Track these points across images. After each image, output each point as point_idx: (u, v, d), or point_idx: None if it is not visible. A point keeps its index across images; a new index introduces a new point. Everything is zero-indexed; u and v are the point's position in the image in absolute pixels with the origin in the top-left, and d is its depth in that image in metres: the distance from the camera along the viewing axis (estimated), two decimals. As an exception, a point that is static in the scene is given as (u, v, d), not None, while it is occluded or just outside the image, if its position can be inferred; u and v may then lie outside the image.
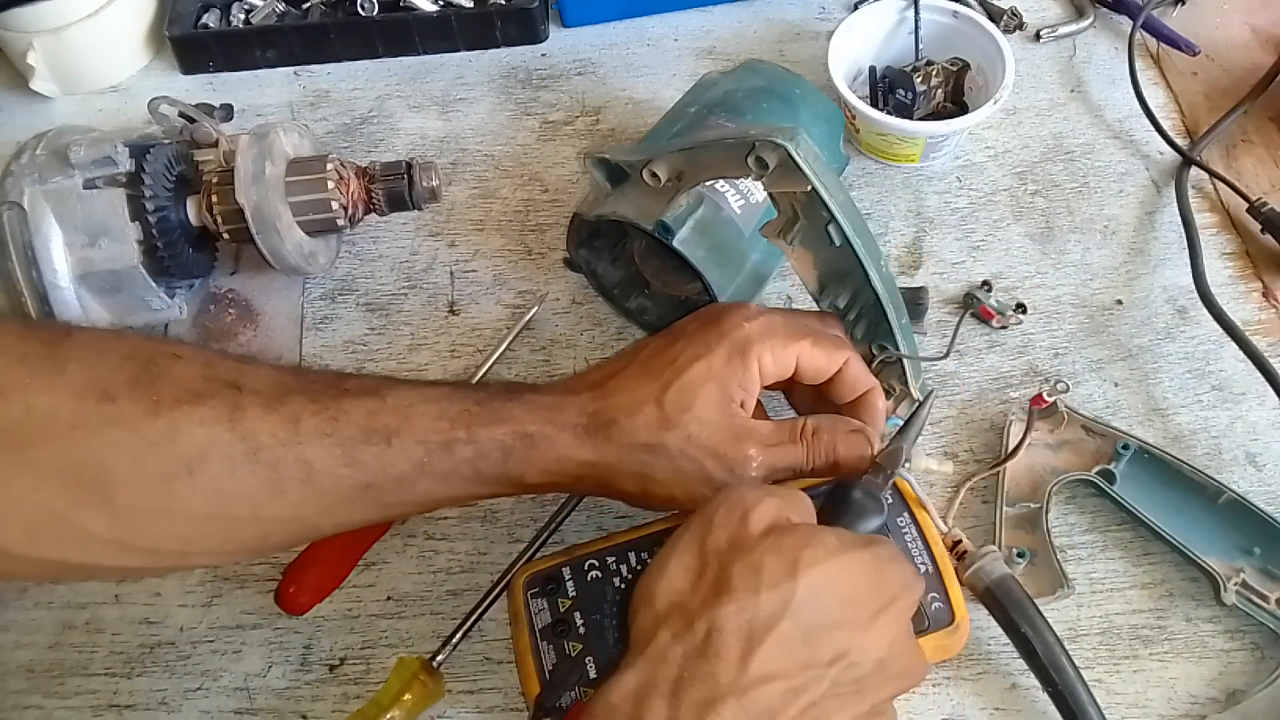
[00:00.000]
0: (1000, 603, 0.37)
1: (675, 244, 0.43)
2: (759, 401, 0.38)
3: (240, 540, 0.32)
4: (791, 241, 0.41)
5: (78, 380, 0.28)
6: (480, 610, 0.41)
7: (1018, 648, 0.37)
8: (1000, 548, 0.41)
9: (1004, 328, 0.49)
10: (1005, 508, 0.42)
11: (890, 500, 0.36)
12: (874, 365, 0.42)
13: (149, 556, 0.31)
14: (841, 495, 0.35)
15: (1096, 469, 0.42)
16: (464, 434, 0.33)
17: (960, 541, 0.38)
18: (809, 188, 0.38)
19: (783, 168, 0.38)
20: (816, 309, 0.42)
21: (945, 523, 0.39)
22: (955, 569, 0.38)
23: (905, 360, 0.42)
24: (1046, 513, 0.42)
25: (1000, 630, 0.40)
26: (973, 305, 0.50)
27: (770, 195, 0.41)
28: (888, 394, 0.44)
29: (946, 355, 0.44)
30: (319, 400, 0.31)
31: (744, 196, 0.47)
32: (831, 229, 0.39)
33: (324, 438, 0.30)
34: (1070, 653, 0.36)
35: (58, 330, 0.31)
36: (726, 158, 0.40)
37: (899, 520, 0.40)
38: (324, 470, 0.30)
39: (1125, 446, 0.42)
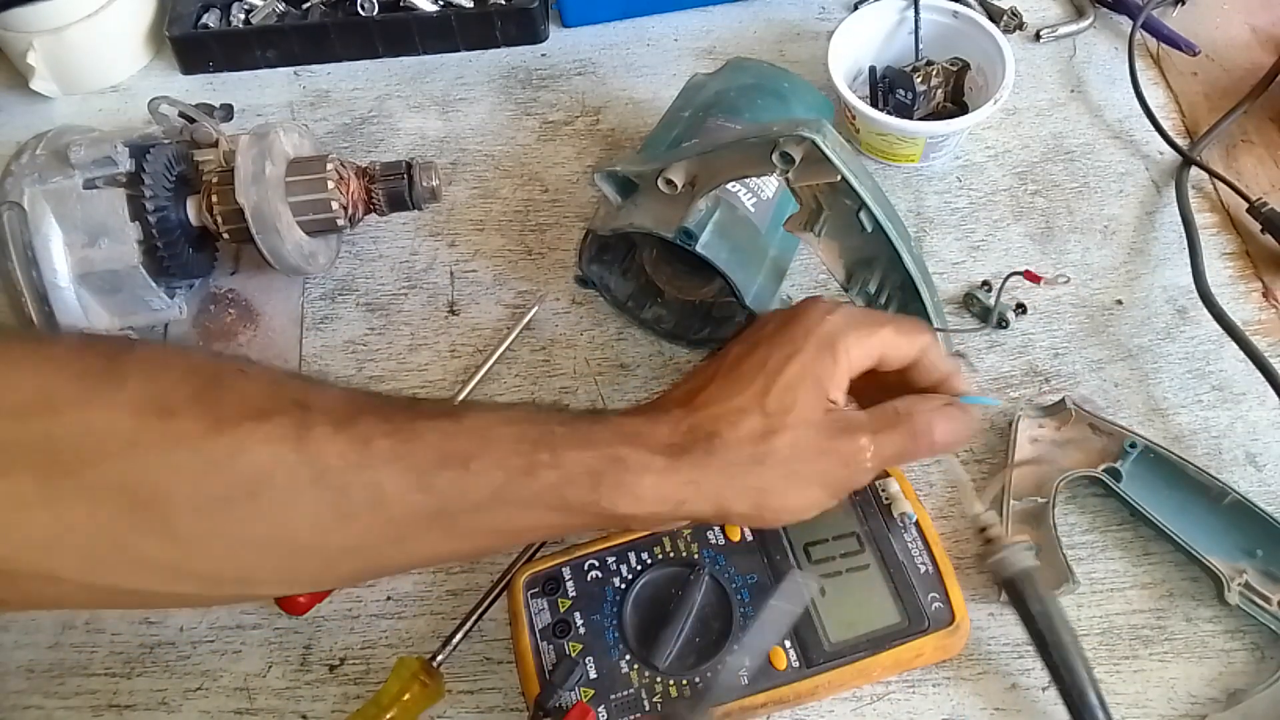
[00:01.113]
0: (1020, 595, 0.37)
1: (699, 249, 0.43)
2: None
3: (304, 570, 0.30)
4: (818, 233, 0.42)
5: (138, 396, 0.26)
6: (480, 610, 0.41)
7: (1033, 642, 0.37)
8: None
9: (1053, 286, 0.49)
10: (1012, 502, 0.42)
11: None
12: None
13: (208, 584, 0.29)
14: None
15: (1103, 466, 0.42)
16: (548, 457, 0.29)
17: (988, 527, 0.38)
18: (838, 177, 0.38)
19: (808, 160, 0.38)
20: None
21: (979, 504, 0.38)
22: (982, 551, 0.38)
23: (939, 336, 0.42)
24: (1053, 508, 0.42)
25: (1001, 630, 0.40)
26: (973, 305, 0.50)
27: (791, 189, 0.41)
28: None
29: (989, 325, 0.44)
30: (391, 421, 0.29)
31: (755, 194, 0.47)
32: (863, 215, 0.40)
33: (396, 460, 0.28)
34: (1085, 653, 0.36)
35: (118, 344, 0.29)
36: (747, 157, 0.40)
37: (899, 519, 0.41)
38: (395, 495, 0.28)
39: (1132, 445, 0.42)
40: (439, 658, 0.40)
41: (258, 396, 0.28)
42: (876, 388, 0.36)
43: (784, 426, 0.31)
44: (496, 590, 0.41)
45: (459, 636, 0.40)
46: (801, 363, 0.33)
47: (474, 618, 0.41)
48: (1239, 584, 0.39)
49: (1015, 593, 0.37)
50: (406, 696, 0.38)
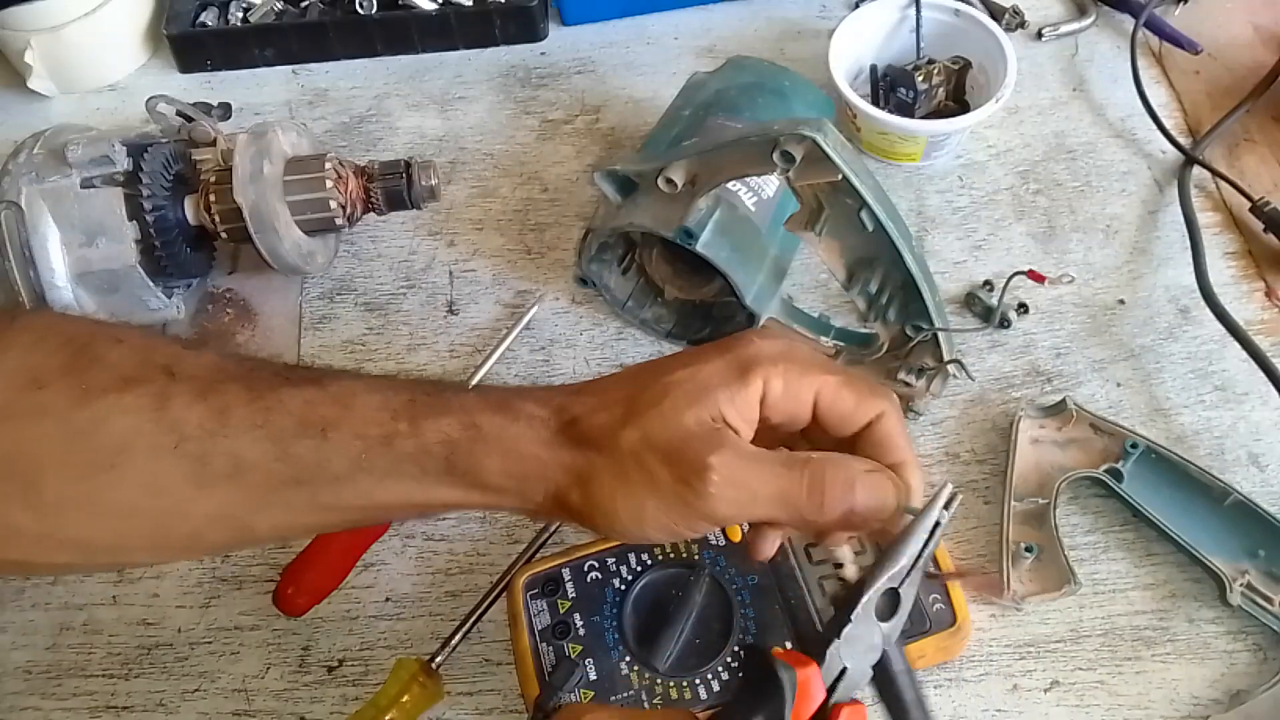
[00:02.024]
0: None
1: (699, 248, 0.42)
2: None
3: (172, 537, 0.30)
4: (819, 232, 0.42)
5: (12, 367, 0.27)
6: (479, 611, 0.41)
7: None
8: (1008, 543, 0.41)
9: (1055, 286, 0.47)
10: (1013, 503, 0.42)
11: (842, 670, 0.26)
12: (909, 346, 0.43)
13: (81, 552, 0.30)
14: (752, 666, 0.26)
15: (1104, 467, 0.42)
16: (406, 426, 0.29)
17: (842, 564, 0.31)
18: (839, 176, 0.38)
19: (809, 159, 0.38)
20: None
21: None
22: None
23: (940, 336, 0.42)
24: (1054, 509, 0.41)
25: (1002, 632, 0.40)
26: (975, 305, 0.49)
27: (792, 188, 0.41)
28: (920, 372, 0.44)
29: (991, 324, 0.44)
30: (254, 389, 0.29)
31: (756, 194, 0.47)
32: (864, 214, 0.40)
33: (254, 429, 0.28)
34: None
35: (2, 317, 0.30)
36: (747, 156, 0.39)
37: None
38: (253, 464, 0.28)
39: (1133, 445, 0.42)
40: (438, 659, 0.39)
41: (127, 365, 0.28)
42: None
43: (637, 421, 0.28)
44: (496, 592, 0.41)
45: (458, 638, 0.40)
46: (695, 370, 0.29)
47: (473, 619, 0.41)
48: (1241, 585, 0.39)
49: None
50: (405, 698, 0.38)
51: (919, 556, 0.28)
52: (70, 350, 0.28)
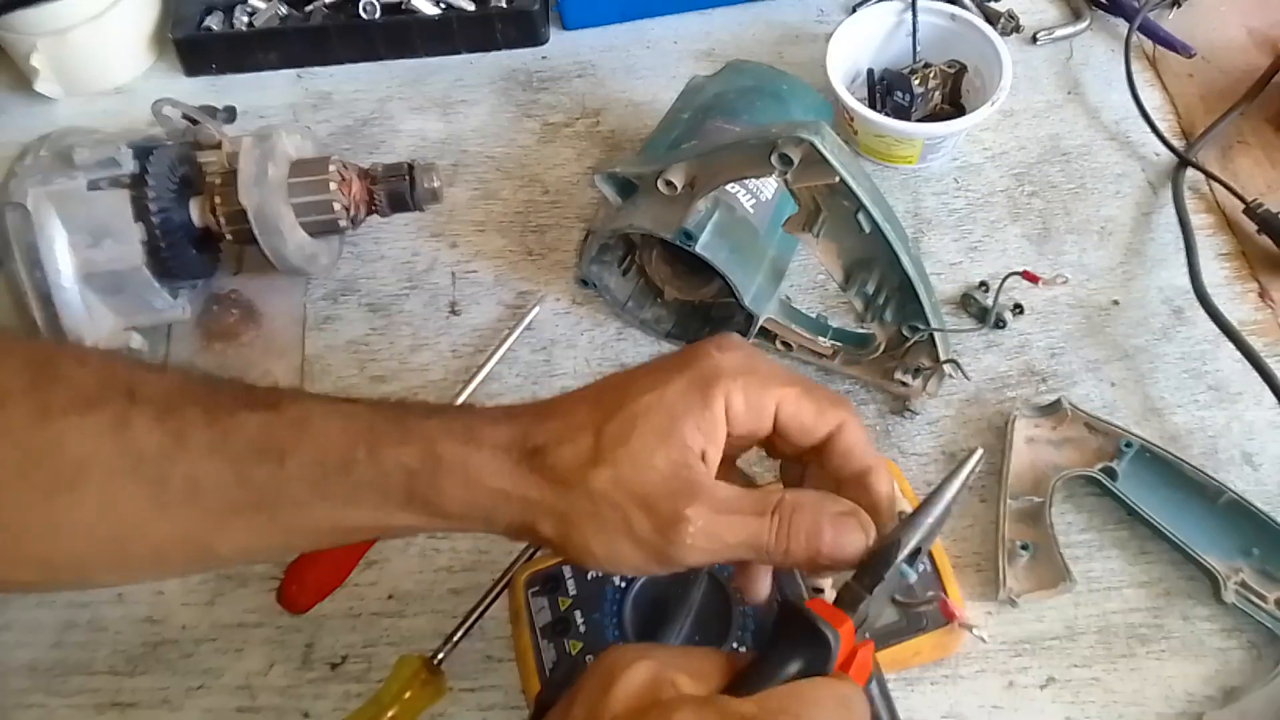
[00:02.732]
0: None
1: (698, 250, 0.43)
2: (741, 470, 0.32)
3: (133, 558, 0.30)
4: (817, 234, 0.42)
5: None
6: (481, 609, 0.41)
7: None
8: (1003, 541, 0.41)
9: (1049, 286, 0.48)
10: (1008, 501, 0.42)
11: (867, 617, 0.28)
12: (906, 346, 0.43)
13: (43, 571, 0.30)
14: (789, 620, 0.27)
15: (1099, 466, 0.43)
16: (364, 454, 0.28)
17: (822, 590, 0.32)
18: (836, 179, 0.38)
19: (807, 162, 0.38)
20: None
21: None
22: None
23: (936, 336, 0.43)
24: (1050, 507, 0.42)
25: (998, 629, 0.40)
26: (970, 306, 0.50)
27: (790, 191, 0.41)
28: (917, 372, 0.44)
29: (986, 325, 0.44)
30: (213, 412, 0.29)
31: (754, 195, 0.47)
32: (861, 216, 0.40)
33: (213, 453, 0.28)
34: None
35: None
36: (746, 158, 0.40)
37: (897, 517, 0.41)
38: (212, 488, 0.28)
39: (1128, 444, 0.43)
40: (440, 656, 0.40)
41: (88, 386, 0.28)
42: (806, 470, 0.31)
43: (608, 460, 0.28)
44: (497, 589, 0.41)
45: (460, 635, 0.40)
46: (661, 395, 0.28)
47: (475, 616, 0.41)
48: (1235, 583, 0.40)
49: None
50: (408, 695, 0.38)
51: (944, 514, 0.29)
52: (32, 370, 0.28)
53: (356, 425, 0.29)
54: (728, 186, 0.46)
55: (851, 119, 0.54)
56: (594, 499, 0.28)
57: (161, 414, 0.28)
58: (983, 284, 0.50)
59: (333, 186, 0.48)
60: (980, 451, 0.31)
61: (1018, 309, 0.49)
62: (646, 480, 0.28)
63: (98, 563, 0.30)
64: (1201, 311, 0.47)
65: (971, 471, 0.30)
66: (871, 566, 0.28)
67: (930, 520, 0.29)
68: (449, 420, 0.30)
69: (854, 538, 0.28)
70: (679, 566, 0.28)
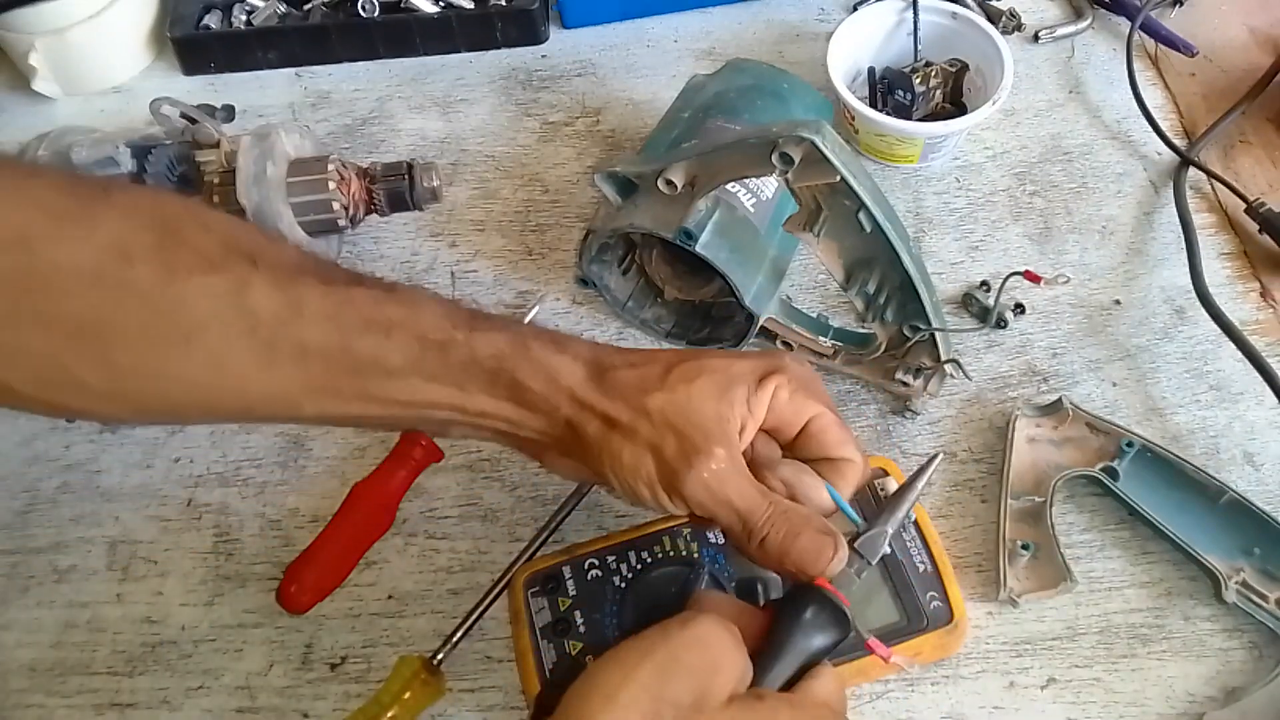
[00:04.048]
0: None
1: (698, 249, 0.43)
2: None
3: (226, 407, 0.32)
4: (818, 233, 0.42)
5: (104, 239, 0.29)
6: (481, 609, 0.41)
7: None
8: (1004, 541, 0.41)
9: (1051, 287, 0.49)
10: (1009, 501, 0.42)
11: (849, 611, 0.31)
12: (907, 345, 0.43)
13: (138, 412, 0.32)
14: (805, 596, 0.31)
15: (1100, 465, 0.43)
16: (463, 336, 0.32)
17: None
18: (837, 178, 0.38)
19: (807, 161, 0.38)
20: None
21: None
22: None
23: (937, 336, 0.43)
24: (1051, 507, 0.42)
25: (999, 629, 0.40)
26: (972, 305, 0.50)
27: (791, 190, 0.41)
28: (918, 372, 0.44)
29: (988, 325, 0.45)
30: (330, 283, 0.31)
31: (755, 195, 0.47)
32: (862, 216, 0.40)
33: (325, 320, 0.30)
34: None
35: (96, 187, 0.31)
36: (746, 158, 0.40)
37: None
38: (318, 351, 0.30)
39: (1129, 444, 0.43)
40: (439, 656, 0.40)
41: (212, 250, 0.30)
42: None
43: (667, 388, 0.32)
44: (497, 589, 0.41)
45: (459, 635, 0.40)
46: (729, 363, 0.33)
47: (475, 616, 0.41)
48: (1236, 582, 0.39)
49: None
50: (407, 695, 0.38)
51: (904, 516, 0.35)
52: (160, 229, 0.30)
53: (460, 313, 0.33)
54: (728, 186, 0.46)
55: (852, 118, 0.54)
56: (641, 414, 0.32)
57: (281, 281, 0.30)
58: (984, 283, 0.50)
59: (332, 186, 0.48)
60: (940, 456, 0.36)
61: (1019, 309, 0.49)
62: (693, 415, 0.31)
63: (190, 410, 0.32)
64: (1203, 311, 0.47)
65: (927, 480, 0.35)
66: (861, 558, 0.33)
67: (900, 513, 0.34)
68: (540, 329, 0.34)
69: (823, 555, 0.31)
70: (679, 499, 0.32)
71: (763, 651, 0.29)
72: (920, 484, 0.35)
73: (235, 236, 0.31)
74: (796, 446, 0.34)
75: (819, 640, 0.30)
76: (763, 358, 0.34)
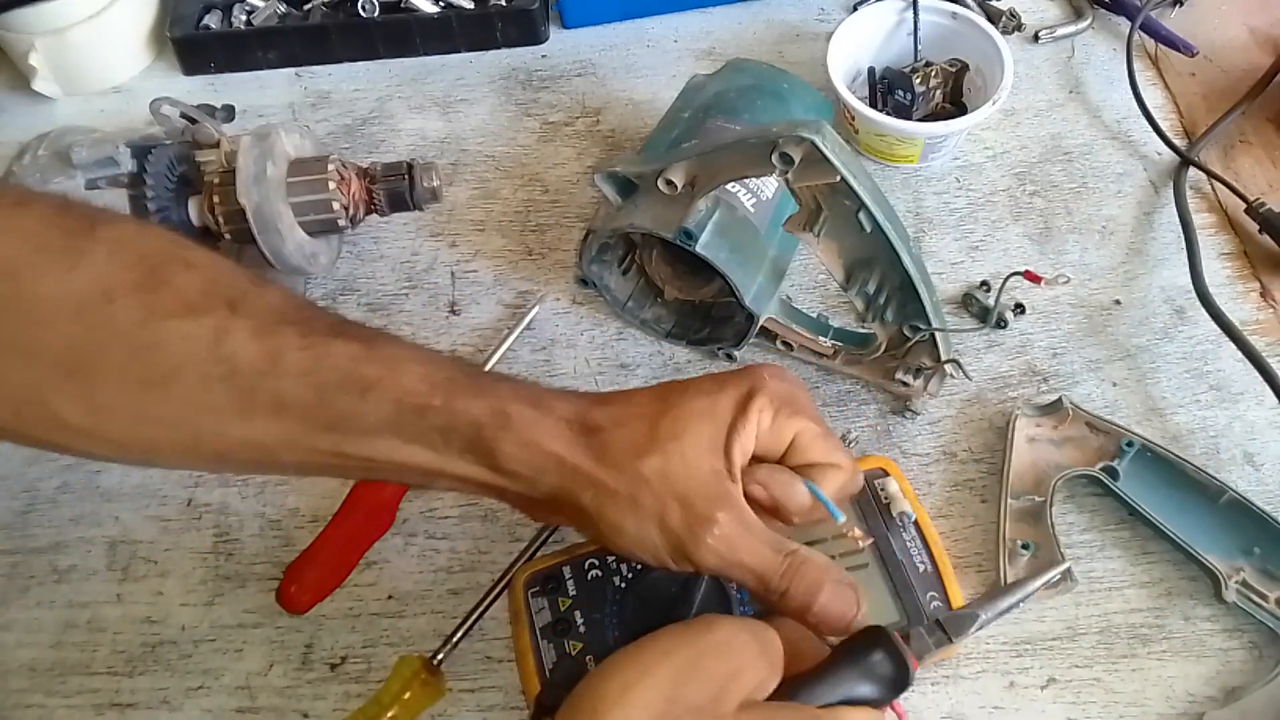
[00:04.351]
0: None
1: (698, 249, 0.43)
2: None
3: (203, 452, 0.32)
4: (818, 233, 0.42)
5: (87, 276, 0.29)
6: (481, 609, 0.41)
7: None
8: (1004, 540, 0.41)
9: (1051, 287, 0.48)
10: (1009, 501, 0.42)
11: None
12: (907, 345, 0.43)
13: (116, 450, 0.32)
14: (875, 642, 0.30)
15: (1100, 465, 0.43)
16: (440, 401, 0.31)
17: None
18: (837, 178, 0.38)
19: (808, 161, 0.38)
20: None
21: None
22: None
23: (938, 336, 0.43)
24: (1051, 506, 0.42)
25: (999, 629, 0.40)
26: (972, 305, 0.50)
27: (791, 190, 0.41)
28: (918, 372, 0.44)
29: (988, 325, 0.45)
30: (309, 337, 0.31)
31: (755, 195, 0.47)
32: (862, 216, 0.40)
33: (301, 376, 0.30)
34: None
35: (84, 220, 0.31)
36: (747, 158, 0.40)
37: (898, 518, 0.41)
38: (294, 406, 0.30)
39: (1129, 444, 0.43)
40: (440, 656, 0.40)
41: (194, 292, 0.30)
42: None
43: (660, 450, 0.31)
44: (497, 589, 0.41)
45: (460, 635, 0.40)
46: (714, 401, 0.32)
47: (475, 616, 0.41)
48: (1236, 582, 0.40)
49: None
50: (407, 695, 0.38)
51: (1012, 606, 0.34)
52: (143, 268, 0.30)
53: (438, 375, 0.32)
54: (728, 186, 0.46)
55: (852, 118, 0.54)
56: (639, 482, 0.31)
57: (260, 330, 0.30)
58: (984, 283, 0.50)
59: (332, 186, 0.48)
60: (1068, 565, 0.37)
61: (1019, 309, 0.49)
62: (691, 478, 0.31)
63: (169, 452, 0.32)
64: (1203, 311, 0.47)
65: (1041, 585, 0.35)
66: (943, 631, 0.33)
67: (1001, 607, 0.34)
68: (519, 387, 0.33)
69: (846, 607, 0.31)
70: (690, 565, 0.31)
71: (811, 675, 0.29)
72: (1032, 587, 0.34)
73: (217, 279, 0.31)
74: (784, 460, 0.34)
75: (870, 688, 0.29)
76: (741, 380, 0.33)
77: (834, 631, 0.31)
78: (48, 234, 0.29)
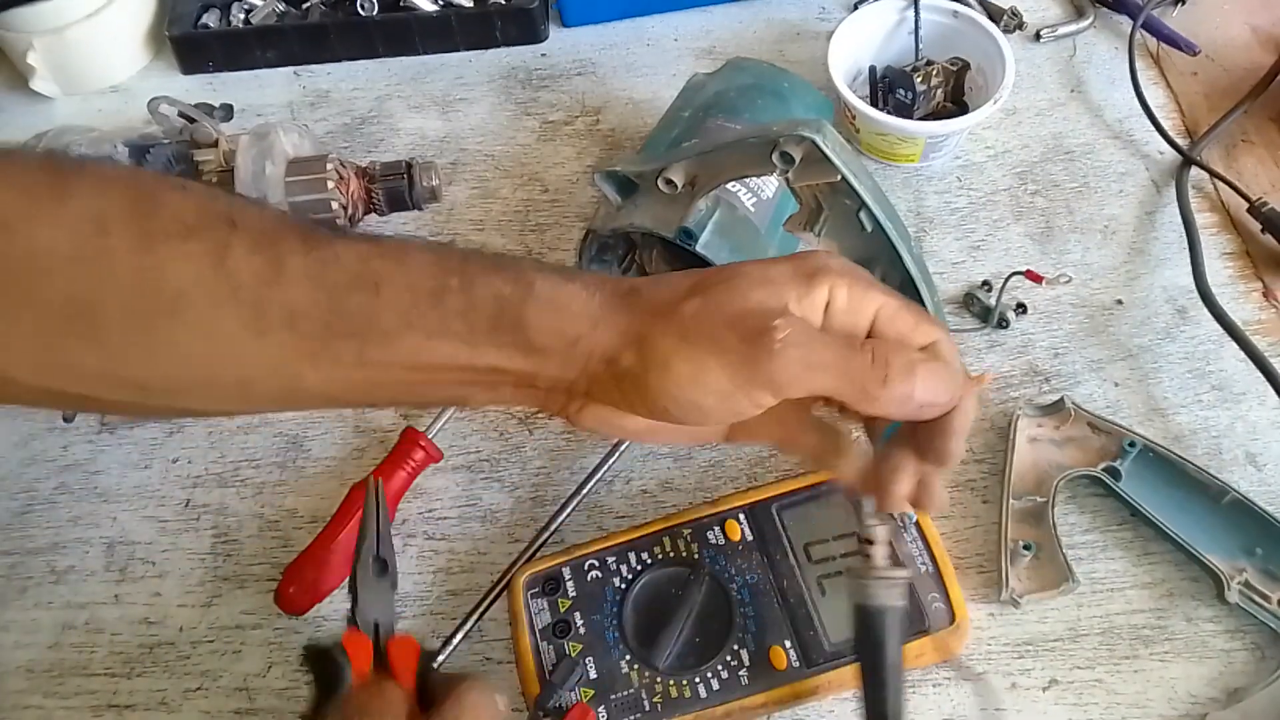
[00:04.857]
0: (869, 635, 0.32)
1: (699, 249, 0.43)
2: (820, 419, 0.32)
3: (226, 383, 0.30)
4: (819, 233, 0.42)
5: (77, 212, 0.28)
6: (480, 610, 0.41)
7: (862, 680, 0.33)
8: (1006, 541, 0.41)
9: (1053, 287, 0.48)
10: (1011, 501, 0.42)
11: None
12: None
13: (139, 392, 0.30)
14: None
15: (1102, 465, 0.42)
16: (457, 281, 0.29)
17: (872, 543, 0.32)
18: (838, 177, 0.38)
19: (808, 160, 0.38)
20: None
21: (872, 517, 0.32)
22: (852, 566, 0.33)
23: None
24: (1052, 507, 0.42)
25: (1000, 630, 0.40)
26: (973, 305, 0.50)
27: (791, 189, 0.41)
28: None
29: (989, 324, 0.44)
30: (311, 241, 0.29)
31: (755, 194, 0.47)
32: (863, 215, 0.40)
33: (308, 280, 0.28)
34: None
35: (67, 162, 0.30)
36: (747, 157, 0.40)
37: (899, 519, 0.41)
38: (307, 315, 0.29)
39: (1131, 444, 0.42)
40: (439, 657, 0.40)
41: (189, 214, 0.29)
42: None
43: (701, 291, 0.28)
44: (496, 590, 0.41)
45: (459, 636, 0.40)
46: (766, 267, 0.29)
47: (474, 617, 0.41)
48: (1239, 583, 0.39)
49: (865, 628, 0.32)
50: (406, 696, 0.38)
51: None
52: (134, 196, 0.29)
53: (452, 258, 0.30)
54: (729, 185, 0.45)
55: (853, 117, 0.54)
56: (683, 321, 0.28)
57: (260, 242, 0.28)
58: (985, 283, 0.50)
59: (330, 185, 0.48)
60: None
61: (1021, 308, 0.49)
62: (738, 303, 0.28)
63: (190, 388, 0.30)
64: (1205, 311, 0.47)
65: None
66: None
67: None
68: (542, 263, 0.31)
69: (948, 379, 0.28)
70: (766, 385, 0.27)
71: None
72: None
73: (214, 198, 0.30)
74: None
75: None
76: (801, 260, 0.29)
77: (936, 413, 0.28)
78: (35, 177, 0.28)
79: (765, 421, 0.30)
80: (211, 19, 0.62)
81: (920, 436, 0.30)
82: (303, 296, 0.29)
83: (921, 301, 0.42)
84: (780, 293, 0.28)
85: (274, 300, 0.28)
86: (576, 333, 0.29)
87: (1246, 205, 0.51)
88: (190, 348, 0.29)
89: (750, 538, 0.41)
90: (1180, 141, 0.55)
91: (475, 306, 0.29)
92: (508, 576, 0.41)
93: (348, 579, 0.35)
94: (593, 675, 0.38)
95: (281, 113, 0.60)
